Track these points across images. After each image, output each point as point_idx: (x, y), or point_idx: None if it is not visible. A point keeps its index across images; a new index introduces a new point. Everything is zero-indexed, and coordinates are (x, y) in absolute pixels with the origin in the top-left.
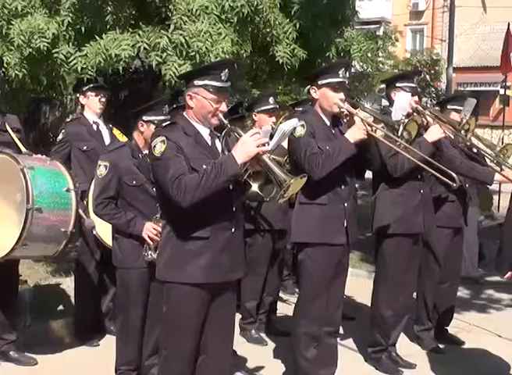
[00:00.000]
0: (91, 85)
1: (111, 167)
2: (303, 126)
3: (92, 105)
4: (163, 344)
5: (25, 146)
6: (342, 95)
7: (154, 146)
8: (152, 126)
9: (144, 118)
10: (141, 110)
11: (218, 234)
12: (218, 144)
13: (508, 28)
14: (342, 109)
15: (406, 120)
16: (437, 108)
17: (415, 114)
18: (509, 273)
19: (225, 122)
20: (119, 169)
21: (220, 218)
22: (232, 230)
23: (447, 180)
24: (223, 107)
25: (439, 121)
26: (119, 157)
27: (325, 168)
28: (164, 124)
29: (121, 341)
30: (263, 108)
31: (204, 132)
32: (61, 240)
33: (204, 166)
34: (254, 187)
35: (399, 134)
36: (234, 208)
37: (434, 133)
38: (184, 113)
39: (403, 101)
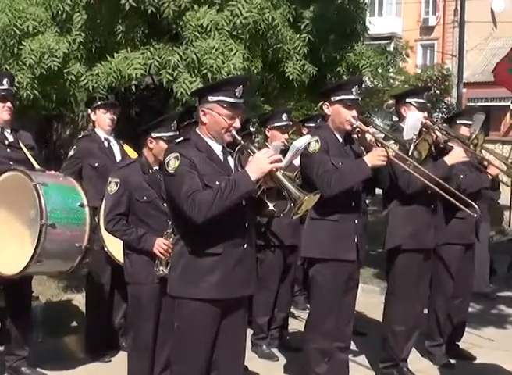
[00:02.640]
0: (101, 102)
1: (121, 184)
2: (317, 141)
3: (102, 122)
4: (174, 359)
5: (38, 163)
6: (354, 113)
7: (168, 162)
8: (161, 143)
9: (153, 134)
10: (150, 127)
11: (230, 250)
12: (231, 161)
13: None
14: (354, 126)
15: (417, 140)
16: (445, 125)
17: (425, 129)
18: None
19: (239, 138)
20: (129, 186)
21: (233, 234)
22: (245, 245)
23: (459, 205)
24: (237, 123)
25: (448, 136)
26: (129, 173)
27: (337, 187)
28: (177, 140)
29: (132, 357)
30: (276, 124)
31: (217, 148)
32: (75, 255)
33: (217, 183)
34: (271, 206)
35: (409, 154)
36: (247, 225)
37: (455, 156)
38: (197, 129)
39: (414, 121)
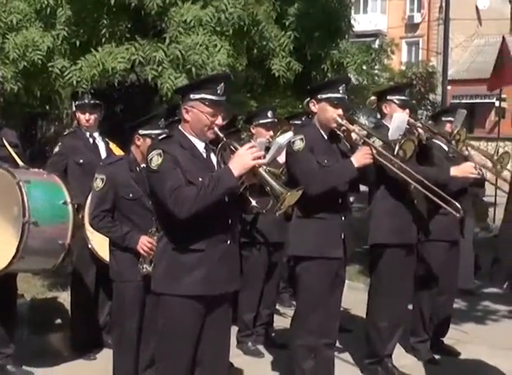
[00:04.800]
0: (78, 103)
1: (107, 180)
2: (302, 140)
3: (80, 122)
4: (159, 356)
5: (23, 161)
6: (340, 111)
7: (151, 159)
8: (149, 140)
9: (141, 132)
10: (138, 124)
11: (213, 247)
12: (214, 158)
13: (503, 41)
14: (340, 124)
15: (402, 140)
16: (430, 122)
17: (408, 126)
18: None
19: (221, 135)
20: (116, 183)
21: (216, 230)
22: (228, 242)
23: (441, 203)
24: (219, 120)
25: (430, 133)
26: (116, 170)
27: (322, 186)
28: (160, 137)
29: (117, 354)
30: (261, 121)
31: (200, 145)
32: (58, 253)
33: (201, 179)
34: (254, 202)
35: (394, 153)
36: (230, 221)
37: (463, 170)
38: (180, 127)
39: (400, 122)
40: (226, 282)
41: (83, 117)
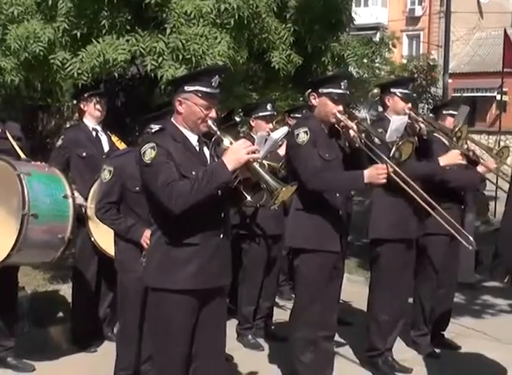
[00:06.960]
0: (93, 91)
1: (116, 172)
2: (306, 132)
3: (93, 111)
4: (154, 351)
5: (25, 154)
6: (340, 107)
7: (144, 152)
8: None
9: (152, 126)
10: (151, 118)
11: (207, 240)
12: (207, 151)
13: (505, 34)
14: (339, 120)
15: (400, 141)
16: (431, 115)
17: (410, 121)
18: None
19: (215, 129)
20: (124, 175)
21: (209, 224)
22: (221, 235)
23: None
24: (213, 113)
25: (431, 127)
26: (125, 162)
27: (325, 185)
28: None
29: (120, 345)
30: (260, 114)
31: (193, 138)
32: (58, 246)
33: (194, 173)
34: (249, 197)
35: (390, 154)
36: (223, 214)
37: (451, 157)
38: (172, 119)
39: (398, 124)
40: (219, 275)
41: (99, 106)
